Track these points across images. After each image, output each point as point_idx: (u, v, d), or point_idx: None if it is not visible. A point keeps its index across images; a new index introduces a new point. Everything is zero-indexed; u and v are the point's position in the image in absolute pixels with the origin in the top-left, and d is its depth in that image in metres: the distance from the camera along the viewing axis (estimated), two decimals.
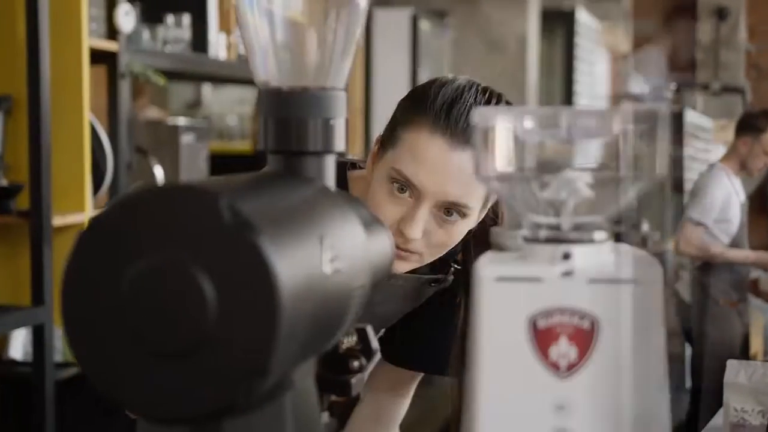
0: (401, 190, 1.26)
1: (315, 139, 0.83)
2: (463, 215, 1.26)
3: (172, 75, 3.29)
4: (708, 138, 8.12)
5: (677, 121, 7.13)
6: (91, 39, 2.63)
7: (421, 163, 1.23)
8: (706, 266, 4.31)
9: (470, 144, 1.20)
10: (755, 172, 4.42)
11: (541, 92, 6.74)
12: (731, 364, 1.97)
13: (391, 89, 4.58)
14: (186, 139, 3.11)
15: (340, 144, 0.85)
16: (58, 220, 2.49)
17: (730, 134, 8.75)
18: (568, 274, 0.70)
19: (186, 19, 3.10)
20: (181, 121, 3.25)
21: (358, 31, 0.86)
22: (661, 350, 0.70)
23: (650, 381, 0.70)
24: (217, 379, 0.62)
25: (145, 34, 3.00)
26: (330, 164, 0.85)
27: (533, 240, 0.73)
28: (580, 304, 0.69)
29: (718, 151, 8.72)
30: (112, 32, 2.73)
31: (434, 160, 1.23)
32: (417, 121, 1.25)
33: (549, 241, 0.72)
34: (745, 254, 4.35)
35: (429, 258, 1.30)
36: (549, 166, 0.74)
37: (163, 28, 3.07)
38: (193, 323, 0.62)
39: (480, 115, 0.73)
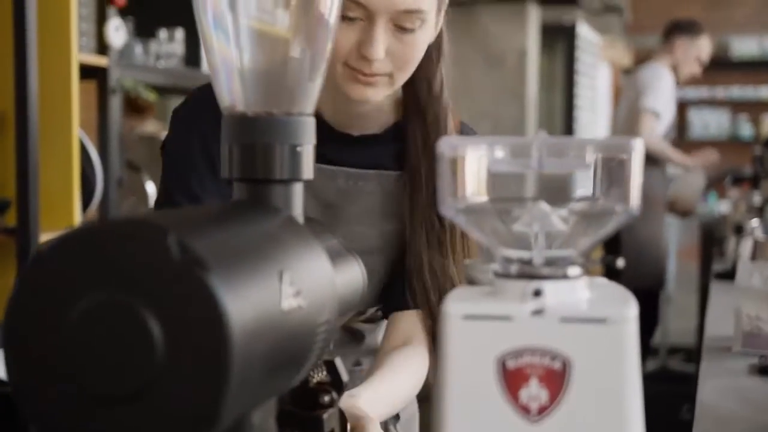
0: (350, 17, 1.21)
1: (281, 167, 0.80)
2: (421, 21, 1.22)
3: (166, 90, 3.26)
4: (595, 53, 8.15)
5: (570, 34, 7.16)
6: (81, 54, 2.60)
7: None
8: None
9: None
10: (683, 78, 4.49)
11: (541, 106, 6.71)
12: (743, 266, 1.84)
13: None
14: None
15: (308, 171, 0.82)
16: (45, 237, 2.46)
17: (615, 52, 8.76)
18: (538, 312, 0.67)
19: (179, 33, 3.08)
20: None
21: (326, 55, 0.83)
22: (636, 392, 0.67)
23: (626, 426, 0.66)
24: (165, 426, 0.59)
25: (138, 49, 2.97)
26: (298, 192, 0.81)
27: (504, 275, 0.70)
28: (552, 343, 0.66)
29: (604, 68, 8.75)
30: (103, 47, 2.71)
31: None
32: None
33: (520, 276, 0.69)
34: (684, 156, 4.48)
35: (400, 77, 1.25)
36: (520, 198, 0.71)
37: (155, 43, 3.04)
38: (139, 366, 0.59)
39: (447, 144, 0.69)
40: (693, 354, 5.15)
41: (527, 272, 0.69)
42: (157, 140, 3.14)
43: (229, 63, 0.82)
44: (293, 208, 0.81)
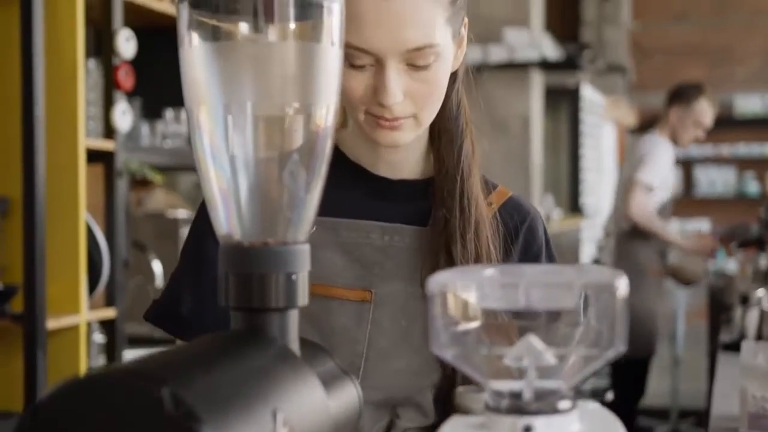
0: (359, 64, 1.14)
1: (277, 295, 0.81)
2: (435, 56, 1.15)
3: (172, 168, 3.30)
4: (600, 114, 8.18)
5: (574, 96, 7.21)
6: (88, 139, 2.64)
7: (360, 24, 1.12)
8: (633, 232, 4.31)
9: None
10: (686, 143, 4.52)
11: (547, 168, 6.74)
12: (747, 345, 1.80)
13: None
14: (186, 232, 3.10)
15: (303, 298, 0.83)
16: (52, 323, 2.47)
17: (619, 112, 8.80)
18: None
19: (185, 113, 3.12)
20: (181, 213, 3.25)
21: (320, 185, 0.85)
22: None
23: None
24: None
25: (145, 130, 3.02)
26: (293, 319, 0.83)
27: (494, 409, 0.71)
28: None
29: (609, 128, 8.78)
30: (110, 131, 2.75)
31: (371, 15, 1.11)
32: None
33: (510, 411, 0.70)
34: (684, 241, 4.49)
35: (425, 116, 1.19)
36: (510, 333, 0.72)
37: (162, 123, 3.09)
38: None
39: (436, 282, 0.71)
40: (704, 417, 5.11)
41: (517, 407, 0.70)
42: (163, 218, 3.17)
43: (226, 193, 0.83)
44: (288, 334, 0.82)
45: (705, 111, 4.43)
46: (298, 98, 0.82)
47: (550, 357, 0.71)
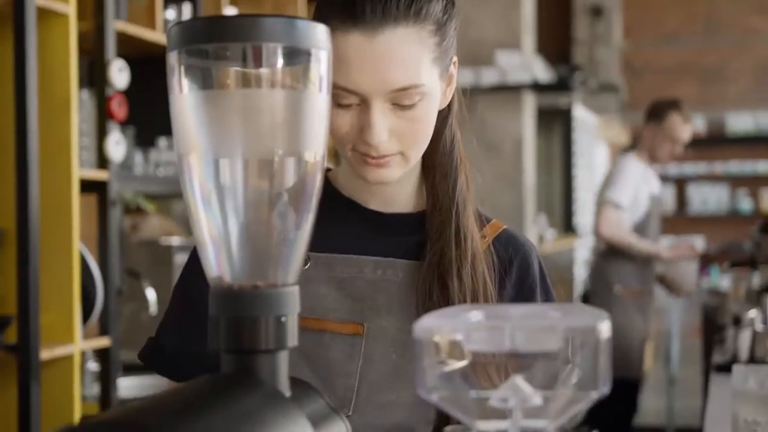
0: (345, 105, 1.16)
1: (267, 338, 0.82)
2: (421, 95, 1.16)
3: (166, 196, 3.31)
4: (592, 133, 8.22)
5: (566, 116, 7.24)
6: (81, 169, 2.65)
7: (346, 65, 1.13)
8: (608, 252, 4.31)
9: (395, 20, 1.12)
10: (664, 160, 4.49)
11: (539, 188, 6.77)
12: (738, 369, 1.81)
13: None
14: (180, 258, 3.12)
15: (293, 339, 0.84)
16: (46, 353, 2.47)
17: (611, 131, 8.83)
18: None
19: None
20: (176, 240, 3.26)
21: (309, 227, 0.87)
22: None
23: None
24: None
25: (138, 158, 3.03)
26: (283, 361, 0.84)
27: None
28: None
29: (602, 147, 8.82)
30: (103, 161, 2.76)
31: (356, 56, 1.12)
32: (326, 24, 1.19)
33: None
34: (656, 248, 4.42)
35: (413, 153, 1.20)
36: (496, 375, 0.74)
37: (155, 151, 3.10)
38: None
39: (422, 326, 0.72)
40: None
41: None
42: (157, 245, 3.18)
43: (216, 237, 0.85)
44: (279, 375, 0.84)
45: (677, 126, 4.43)
46: (287, 144, 0.84)
47: (536, 398, 0.72)
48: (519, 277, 1.31)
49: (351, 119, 1.16)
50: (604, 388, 0.71)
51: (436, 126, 1.23)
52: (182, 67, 0.82)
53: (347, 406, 1.24)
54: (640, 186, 4.39)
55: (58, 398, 2.51)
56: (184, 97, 0.83)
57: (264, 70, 0.82)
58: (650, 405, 6.82)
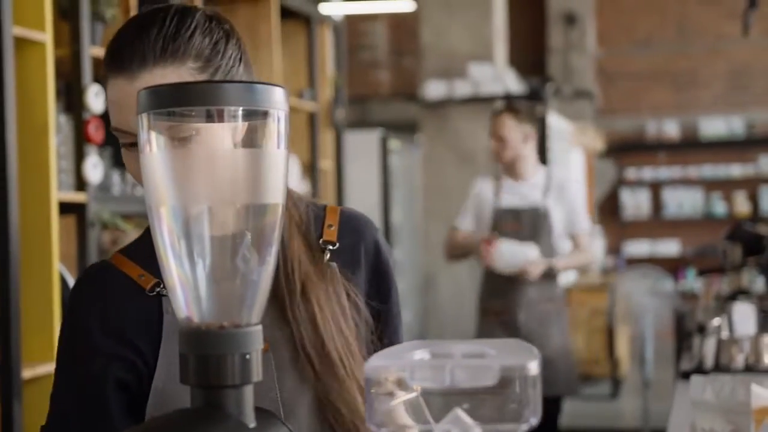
0: (129, 143, 1.21)
1: (233, 374, 0.90)
2: (196, 130, 1.10)
3: (144, 215, 3.38)
4: (567, 140, 8.33)
5: (541, 125, 7.30)
6: (60, 192, 2.71)
7: (117, 108, 1.21)
8: (483, 276, 4.20)
9: (153, 63, 1.18)
10: (499, 160, 4.18)
11: None
12: (696, 380, 1.86)
13: (363, 208, 4.67)
14: None
15: (257, 374, 0.92)
16: (28, 372, 2.54)
17: (586, 137, 8.90)
18: None
19: None
20: None
21: (270, 270, 0.94)
22: None
23: None
24: None
25: (115, 178, 3.09)
26: (248, 394, 0.91)
27: None
28: None
29: (577, 153, 8.93)
30: (81, 183, 2.83)
31: (122, 98, 1.19)
32: (105, 75, 1.22)
33: None
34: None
35: None
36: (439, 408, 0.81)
37: None
38: None
39: (372, 367, 0.80)
40: None
41: None
42: None
43: (184, 281, 0.92)
44: (244, 408, 0.91)
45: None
46: (249, 195, 0.92)
47: (476, 429, 0.80)
48: (371, 257, 1.36)
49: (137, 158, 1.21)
50: (534, 420, 0.79)
51: None
52: (151, 129, 0.90)
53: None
54: (482, 203, 4.20)
55: (41, 417, 2.57)
56: (153, 155, 0.90)
57: (225, 130, 0.90)
58: (626, 407, 6.92)
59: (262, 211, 0.92)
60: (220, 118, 0.90)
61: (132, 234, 3.71)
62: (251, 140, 0.91)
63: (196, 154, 0.92)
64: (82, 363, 1.27)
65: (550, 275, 4.13)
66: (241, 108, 0.89)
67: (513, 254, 3.99)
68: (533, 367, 0.78)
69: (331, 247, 1.31)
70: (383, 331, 1.34)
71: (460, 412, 0.81)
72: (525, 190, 4.12)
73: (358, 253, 1.35)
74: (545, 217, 4.08)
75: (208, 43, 1.22)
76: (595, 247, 9.17)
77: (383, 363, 0.81)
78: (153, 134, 0.91)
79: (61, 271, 2.69)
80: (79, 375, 1.28)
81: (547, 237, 4.08)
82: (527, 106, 4.29)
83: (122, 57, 1.19)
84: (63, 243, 2.76)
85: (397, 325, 1.39)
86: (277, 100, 0.91)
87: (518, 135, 4.07)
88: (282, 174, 0.93)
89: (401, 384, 0.81)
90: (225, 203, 0.91)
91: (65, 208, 2.77)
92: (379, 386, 0.80)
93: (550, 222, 4.08)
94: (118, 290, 1.28)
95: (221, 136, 1.00)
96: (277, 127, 0.91)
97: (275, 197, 0.92)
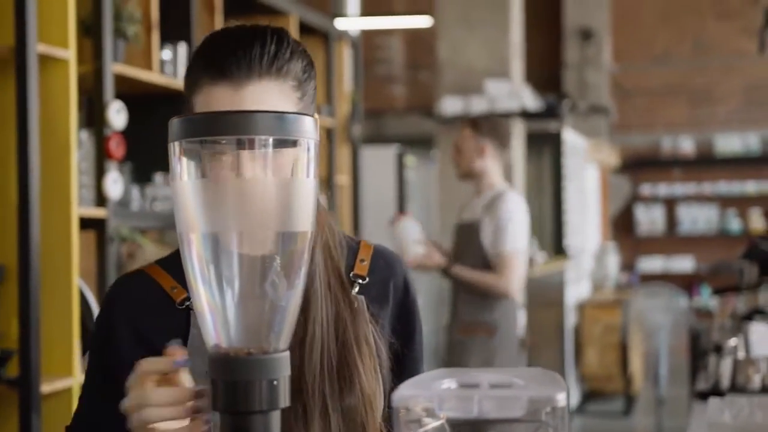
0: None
1: (260, 400, 0.91)
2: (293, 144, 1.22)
3: (163, 228, 3.40)
4: (582, 156, 8.31)
5: (556, 141, 7.28)
6: (80, 207, 2.73)
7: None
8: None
9: (258, 75, 1.19)
10: (456, 170, 4.13)
11: (530, 214, 6.84)
12: (714, 402, 1.87)
13: (380, 223, 4.69)
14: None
15: (285, 400, 0.93)
16: (46, 387, 2.55)
17: (601, 153, 8.85)
18: None
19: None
20: None
21: (298, 298, 0.95)
22: None
23: None
24: None
25: (135, 194, 3.12)
26: (275, 420, 0.92)
27: None
28: None
29: (592, 169, 8.91)
30: (101, 199, 2.85)
31: (221, 106, 1.19)
32: (198, 81, 1.22)
33: None
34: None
35: None
36: None
37: (151, 187, 3.19)
38: None
39: (399, 396, 0.81)
40: None
41: None
42: None
43: (213, 308, 0.93)
44: None
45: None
46: (278, 223, 0.93)
47: None
48: (400, 294, 1.38)
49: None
50: None
51: None
52: (182, 156, 0.91)
53: None
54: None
55: (59, 431, 2.59)
56: (184, 183, 0.91)
57: (256, 159, 0.91)
58: (639, 424, 6.90)
59: (291, 238, 0.93)
60: (251, 147, 0.91)
61: (149, 249, 3.74)
62: (281, 169, 0.92)
63: (226, 183, 0.93)
64: (110, 369, 1.28)
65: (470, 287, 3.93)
66: (271, 137, 0.90)
67: (407, 231, 3.98)
68: (561, 399, 0.79)
69: (360, 281, 1.33)
70: (402, 372, 1.32)
71: None
72: (475, 205, 4.07)
73: (387, 288, 1.36)
74: (477, 232, 3.95)
75: (302, 67, 1.25)
76: (609, 263, 9.17)
77: (411, 392, 0.82)
78: (184, 161, 0.93)
79: (80, 286, 2.71)
80: (105, 378, 1.29)
81: (477, 252, 3.93)
82: (494, 123, 4.19)
83: (226, 65, 1.20)
84: (82, 258, 2.78)
85: (418, 370, 1.38)
86: (307, 129, 0.92)
87: (472, 147, 4.01)
88: (311, 202, 0.94)
89: (429, 413, 0.82)
90: (254, 231, 0.92)
91: (85, 223, 2.80)
92: (406, 415, 0.81)
93: (480, 238, 3.93)
94: (149, 300, 1.30)
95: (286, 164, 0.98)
96: (307, 156, 0.93)
97: (304, 225, 0.94)
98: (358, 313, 1.29)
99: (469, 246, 3.97)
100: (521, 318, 4.10)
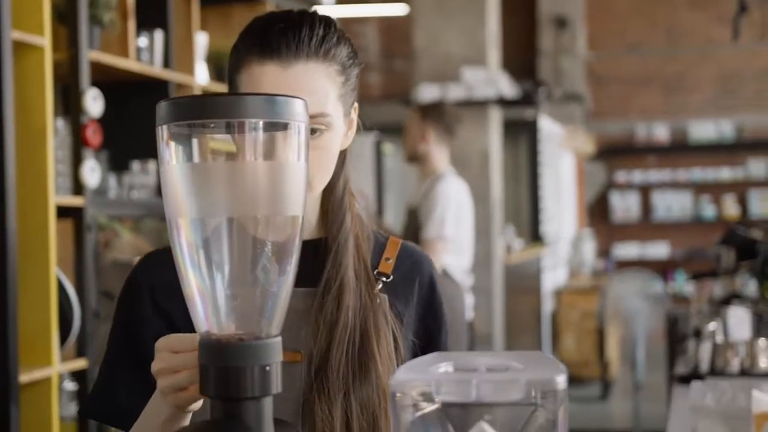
0: None
1: (252, 386, 0.90)
2: (326, 125, 1.25)
3: (140, 217, 3.37)
4: (558, 143, 8.36)
5: (532, 128, 7.33)
6: (57, 196, 2.70)
7: (261, 90, 1.21)
8: None
9: (306, 56, 1.22)
10: (404, 154, 4.26)
11: (507, 200, 6.87)
12: (696, 386, 1.88)
13: None
14: None
15: (276, 386, 0.92)
16: (24, 377, 2.53)
17: (577, 140, 8.90)
18: None
19: (152, 165, 3.20)
20: None
21: (289, 283, 0.94)
22: None
23: None
24: None
25: (112, 182, 3.09)
26: (268, 406, 0.91)
27: None
28: None
29: (568, 156, 8.96)
30: (78, 187, 2.82)
31: (272, 84, 1.22)
32: (245, 60, 1.24)
33: None
34: None
35: (317, 183, 1.27)
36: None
37: (129, 175, 3.16)
38: None
39: (397, 381, 0.80)
40: None
41: None
42: (130, 266, 3.22)
43: (203, 294, 0.92)
44: (263, 420, 0.91)
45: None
46: (268, 207, 0.92)
47: None
48: (426, 292, 1.38)
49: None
50: None
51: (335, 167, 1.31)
52: (171, 141, 0.89)
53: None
54: None
55: (37, 421, 2.57)
56: (173, 167, 0.90)
57: (246, 143, 0.90)
58: (616, 409, 6.94)
59: (282, 220, 0.92)
60: (241, 130, 0.90)
61: (126, 237, 3.71)
62: (271, 152, 0.91)
63: (215, 166, 0.92)
64: (135, 336, 1.29)
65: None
66: (261, 120, 0.89)
67: None
68: (561, 381, 0.78)
69: (384, 279, 1.33)
70: None
71: (485, 425, 0.81)
72: (419, 189, 4.17)
73: (411, 287, 1.37)
74: (416, 216, 4.07)
75: (347, 53, 1.28)
76: (585, 249, 9.21)
77: (408, 377, 0.81)
78: (172, 145, 0.91)
79: (58, 274, 2.68)
80: (129, 347, 1.29)
81: (417, 236, 3.99)
82: (440, 110, 4.24)
83: (275, 44, 1.22)
84: (60, 247, 2.75)
85: None
86: (298, 112, 0.91)
87: (416, 131, 4.11)
88: (302, 186, 0.93)
89: (424, 399, 0.81)
90: (243, 214, 0.91)
91: (62, 212, 2.77)
92: (403, 399, 0.80)
93: (418, 223, 4.04)
94: (171, 277, 1.27)
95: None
96: (297, 139, 0.91)
97: (295, 209, 0.93)
98: (379, 308, 1.30)
99: (410, 230, 4.06)
100: (468, 301, 4.16)
